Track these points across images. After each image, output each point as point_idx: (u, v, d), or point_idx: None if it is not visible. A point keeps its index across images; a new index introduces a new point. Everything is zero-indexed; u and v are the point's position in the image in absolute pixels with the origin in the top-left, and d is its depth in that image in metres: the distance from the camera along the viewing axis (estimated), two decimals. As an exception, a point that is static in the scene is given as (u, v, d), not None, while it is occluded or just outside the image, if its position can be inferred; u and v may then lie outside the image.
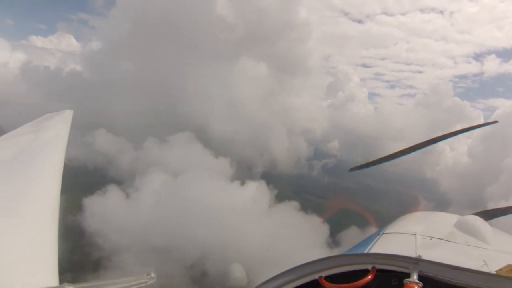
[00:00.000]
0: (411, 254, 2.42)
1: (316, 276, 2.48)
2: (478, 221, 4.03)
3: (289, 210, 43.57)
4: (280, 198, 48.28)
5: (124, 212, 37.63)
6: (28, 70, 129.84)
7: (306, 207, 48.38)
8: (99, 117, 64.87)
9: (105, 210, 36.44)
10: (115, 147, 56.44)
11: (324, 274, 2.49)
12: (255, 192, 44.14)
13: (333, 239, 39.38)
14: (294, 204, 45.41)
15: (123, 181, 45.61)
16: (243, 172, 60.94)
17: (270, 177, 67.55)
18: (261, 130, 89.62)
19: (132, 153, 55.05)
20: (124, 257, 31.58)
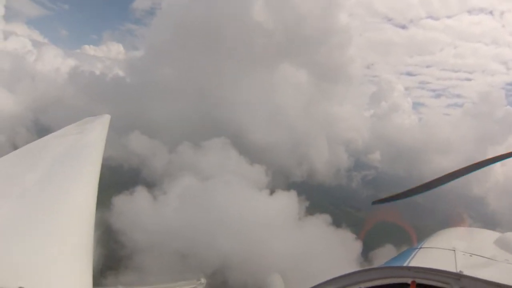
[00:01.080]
0: (451, 270, 2.42)
1: None
2: (504, 236, 3.93)
3: (321, 223, 42.35)
4: (314, 209, 47.40)
5: (151, 213, 38.21)
6: (75, 75, 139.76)
7: (342, 219, 47.54)
8: (137, 120, 67.51)
9: (133, 210, 37.19)
10: (150, 149, 58.17)
11: (363, 286, 2.53)
12: (287, 202, 43.09)
13: (365, 256, 37.69)
14: (328, 216, 44.08)
15: (154, 183, 46.52)
16: (279, 181, 60.47)
17: (307, 187, 66.61)
18: (301, 138, 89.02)
19: (166, 156, 56.42)
20: (146, 258, 31.98)
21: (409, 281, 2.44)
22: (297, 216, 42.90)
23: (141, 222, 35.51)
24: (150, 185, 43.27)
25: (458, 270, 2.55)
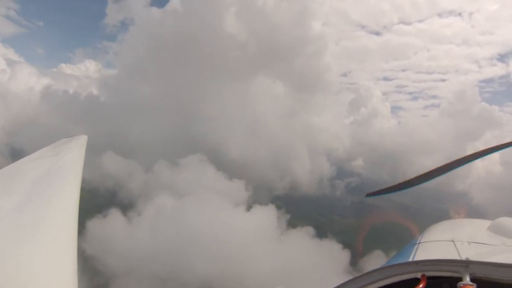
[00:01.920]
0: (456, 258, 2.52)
1: None
2: (511, 221, 4.01)
3: (306, 235, 41.74)
4: (300, 220, 47.30)
5: (126, 237, 37.20)
6: (48, 94, 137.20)
7: (329, 228, 47.78)
8: (112, 140, 66.05)
9: (107, 234, 36.12)
10: (126, 169, 56.76)
11: (374, 286, 2.49)
12: (269, 216, 42.56)
13: (354, 265, 37.34)
14: (313, 226, 43.90)
15: (129, 204, 45.56)
16: (261, 195, 60.01)
17: (291, 199, 66.42)
18: (281, 151, 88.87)
19: (142, 176, 55.27)
20: (124, 285, 30.96)
21: (418, 275, 2.41)
22: (281, 230, 42.36)
23: (116, 247, 34.39)
24: (126, 207, 42.20)
25: (464, 258, 2.58)
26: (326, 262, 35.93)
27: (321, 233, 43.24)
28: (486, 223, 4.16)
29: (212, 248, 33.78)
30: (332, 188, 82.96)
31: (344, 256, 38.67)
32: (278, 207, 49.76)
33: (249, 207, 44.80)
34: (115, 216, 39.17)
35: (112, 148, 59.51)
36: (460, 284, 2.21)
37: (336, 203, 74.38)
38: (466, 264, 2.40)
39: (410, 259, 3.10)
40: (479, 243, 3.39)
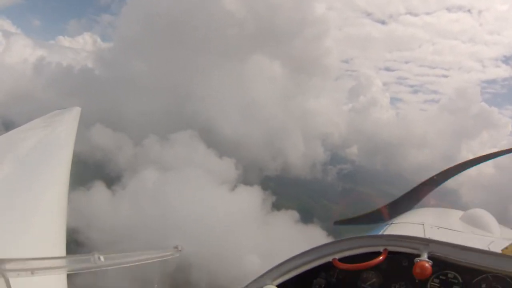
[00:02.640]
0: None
1: (330, 258, 2.64)
2: (483, 213, 4.30)
3: (292, 218, 42.15)
4: (289, 203, 47.65)
5: (110, 210, 37.31)
6: (42, 66, 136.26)
7: (319, 212, 48.18)
8: (104, 113, 65.91)
9: (92, 206, 36.16)
10: (115, 143, 56.90)
11: (337, 256, 2.66)
12: (258, 196, 42.78)
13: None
14: (302, 210, 44.43)
15: (115, 178, 45.53)
16: (252, 175, 60.27)
17: (282, 181, 66.85)
18: (275, 132, 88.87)
19: (131, 150, 55.45)
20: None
21: (381, 249, 2.61)
22: (266, 211, 42.79)
23: (99, 220, 34.65)
24: (112, 180, 42.24)
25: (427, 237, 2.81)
26: (307, 244, 36.46)
27: (308, 217, 43.61)
28: (460, 213, 4.49)
29: (196, 225, 34.15)
30: (324, 173, 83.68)
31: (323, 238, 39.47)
32: (266, 188, 50.06)
33: (234, 186, 45.06)
34: (99, 189, 39.16)
35: (103, 122, 59.53)
36: (417, 259, 2.45)
37: (327, 188, 74.90)
38: (427, 242, 2.62)
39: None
40: (448, 229, 3.66)
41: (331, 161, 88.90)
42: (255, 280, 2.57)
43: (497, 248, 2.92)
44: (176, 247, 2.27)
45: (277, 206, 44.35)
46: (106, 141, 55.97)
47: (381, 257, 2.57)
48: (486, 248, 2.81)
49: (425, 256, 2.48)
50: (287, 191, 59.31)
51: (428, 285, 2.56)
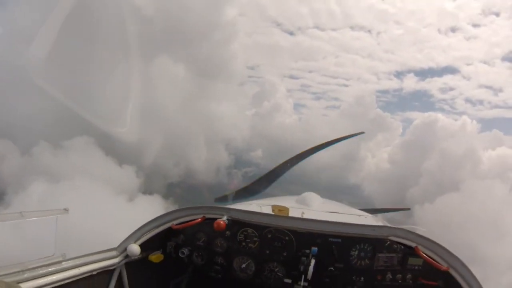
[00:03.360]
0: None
1: (169, 224, 3.67)
2: (311, 195, 5.53)
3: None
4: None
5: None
6: None
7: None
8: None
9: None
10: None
11: (175, 222, 3.70)
12: (153, 206, 41.67)
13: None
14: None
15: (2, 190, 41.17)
16: (154, 182, 58.81)
17: (186, 187, 66.21)
18: (177, 137, 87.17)
19: (17, 160, 50.51)
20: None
21: (200, 216, 3.67)
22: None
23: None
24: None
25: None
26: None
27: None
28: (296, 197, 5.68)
29: (88, 237, 32.52)
30: (229, 177, 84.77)
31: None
32: (169, 196, 49.40)
33: (132, 196, 43.70)
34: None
35: None
36: (218, 219, 3.48)
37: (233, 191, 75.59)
38: (228, 210, 3.71)
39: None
40: (270, 204, 4.50)
41: (236, 164, 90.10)
42: (122, 242, 3.49)
43: (308, 215, 3.96)
44: (65, 209, 2.89)
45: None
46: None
47: (198, 220, 3.67)
48: (299, 216, 3.87)
49: (224, 218, 3.56)
50: (192, 197, 59.21)
51: (237, 238, 3.66)
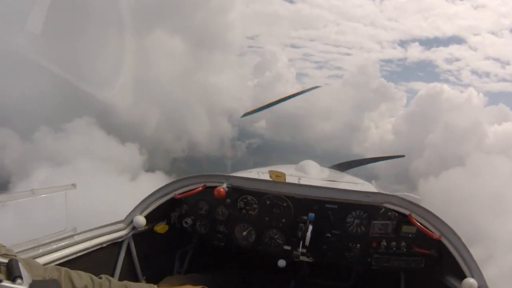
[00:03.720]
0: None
1: (172, 195, 3.77)
2: (310, 163, 5.71)
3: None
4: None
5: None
6: None
7: None
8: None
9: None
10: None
11: (177, 192, 3.79)
12: (155, 183, 41.80)
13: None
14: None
15: (5, 182, 40.32)
16: (158, 158, 59.19)
17: (191, 161, 66.69)
18: (179, 111, 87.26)
19: (19, 147, 50.15)
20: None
21: (201, 185, 3.79)
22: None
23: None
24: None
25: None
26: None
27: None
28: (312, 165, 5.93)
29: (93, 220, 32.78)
30: (234, 149, 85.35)
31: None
32: (172, 172, 49.58)
33: (135, 176, 43.95)
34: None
35: None
36: (218, 187, 3.62)
37: (238, 163, 76.85)
38: (227, 177, 3.85)
39: None
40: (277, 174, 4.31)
41: (240, 136, 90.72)
42: (128, 215, 3.60)
43: (305, 182, 4.16)
44: (73, 184, 3.09)
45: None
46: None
47: (199, 188, 3.79)
48: (295, 182, 4.07)
49: (224, 185, 3.70)
50: (197, 171, 59.24)
51: (237, 205, 3.81)
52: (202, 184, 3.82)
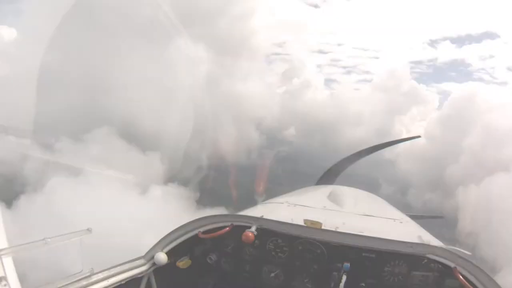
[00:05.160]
0: (271, 217, 3.73)
1: (196, 232, 3.78)
2: (342, 192, 5.48)
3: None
4: (229, 192, 47.51)
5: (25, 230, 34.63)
6: None
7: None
8: (4, 118, 60.53)
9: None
10: (21, 152, 52.50)
11: (202, 229, 3.84)
12: (175, 195, 40.75)
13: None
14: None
15: (27, 191, 42.12)
16: (183, 167, 59.39)
17: (217, 170, 66.69)
18: (203, 119, 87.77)
19: (40, 158, 51.57)
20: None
21: (229, 224, 3.78)
22: (200, 206, 42.44)
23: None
24: (17, 197, 39.28)
25: (261, 215, 3.87)
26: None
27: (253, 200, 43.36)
28: (335, 189, 5.52)
29: (113, 233, 33.07)
30: (262, 157, 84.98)
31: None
32: (200, 180, 49.53)
33: (145, 189, 43.66)
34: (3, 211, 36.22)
35: (2, 128, 54.47)
36: (246, 230, 3.61)
37: (267, 171, 76.07)
38: (257, 219, 3.82)
39: (244, 213, 4.35)
40: (304, 206, 4.72)
41: (268, 144, 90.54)
42: (149, 251, 3.66)
43: (329, 222, 3.98)
44: (88, 229, 3.03)
45: (214, 197, 44.22)
46: (8, 151, 51.45)
47: (227, 229, 3.77)
48: (322, 221, 3.92)
49: (253, 229, 3.66)
50: (224, 180, 59.66)
51: (267, 247, 3.78)
52: (229, 224, 3.89)
